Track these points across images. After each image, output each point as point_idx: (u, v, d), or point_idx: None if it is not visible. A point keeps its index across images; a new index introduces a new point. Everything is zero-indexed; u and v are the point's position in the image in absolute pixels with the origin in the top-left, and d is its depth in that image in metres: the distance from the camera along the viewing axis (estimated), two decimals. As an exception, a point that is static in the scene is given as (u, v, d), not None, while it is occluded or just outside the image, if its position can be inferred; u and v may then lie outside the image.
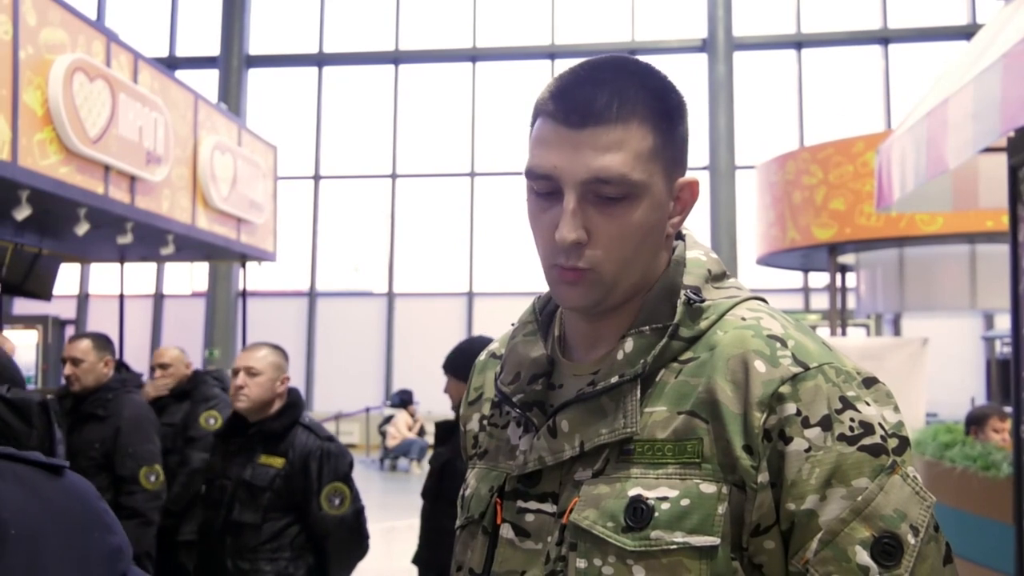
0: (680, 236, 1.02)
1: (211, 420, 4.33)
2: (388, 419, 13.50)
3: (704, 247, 1.01)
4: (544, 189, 0.93)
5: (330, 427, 12.83)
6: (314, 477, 2.87)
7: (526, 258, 15.29)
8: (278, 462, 2.86)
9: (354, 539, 2.98)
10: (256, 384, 2.89)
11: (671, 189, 0.95)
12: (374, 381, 15.69)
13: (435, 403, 14.51)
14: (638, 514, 0.87)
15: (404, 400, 13.67)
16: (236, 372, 2.94)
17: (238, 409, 2.94)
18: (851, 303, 10.26)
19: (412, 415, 13.49)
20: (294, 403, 3.00)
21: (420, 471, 12.55)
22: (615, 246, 0.91)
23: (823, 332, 10.28)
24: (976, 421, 4.76)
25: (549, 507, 0.94)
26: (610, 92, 0.90)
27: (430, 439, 13.24)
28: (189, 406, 4.40)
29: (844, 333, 9.77)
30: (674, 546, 0.85)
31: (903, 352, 6.57)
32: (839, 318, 9.32)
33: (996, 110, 2.68)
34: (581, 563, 0.88)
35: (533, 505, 0.96)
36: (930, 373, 6.78)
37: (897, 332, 12.70)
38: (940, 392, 10.65)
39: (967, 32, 13.50)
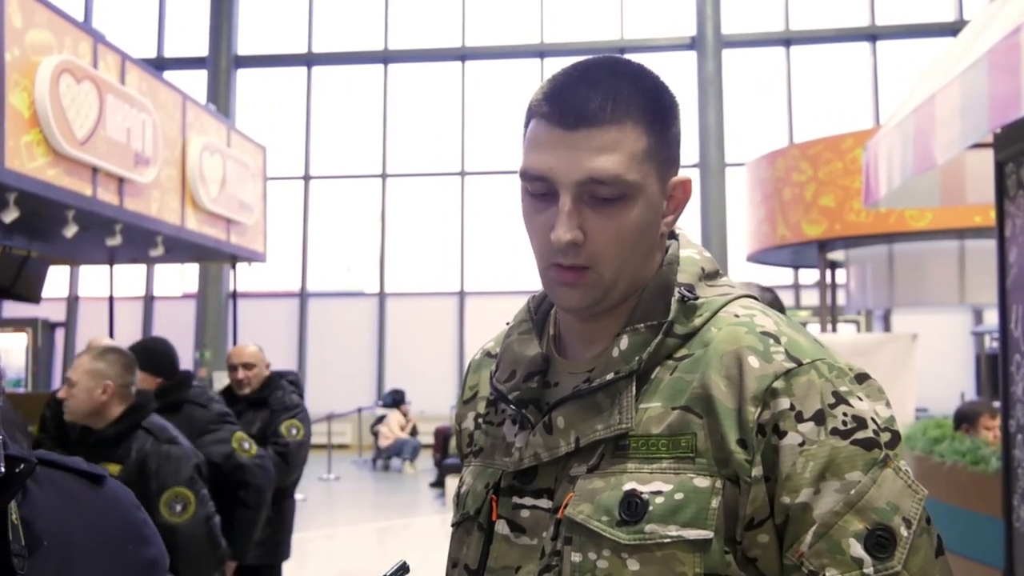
0: (673, 235, 1.03)
1: (293, 430, 3.97)
2: (380, 419, 13.49)
3: (697, 246, 1.02)
4: (539, 190, 0.94)
5: (322, 427, 12.81)
6: (151, 482, 2.70)
7: (518, 257, 15.31)
8: (114, 469, 2.69)
9: (203, 549, 2.77)
10: (72, 396, 2.76)
11: (664, 188, 0.96)
12: (366, 381, 15.67)
13: (427, 403, 14.51)
14: (632, 508, 0.88)
15: (396, 400, 13.67)
16: None
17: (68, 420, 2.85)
18: (841, 299, 10.30)
19: (405, 415, 13.48)
20: (137, 406, 2.83)
21: (413, 471, 12.55)
22: (611, 246, 0.92)
23: (813, 328, 10.31)
24: (967, 418, 4.77)
25: (544, 503, 0.95)
26: (604, 93, 0.91)
27: (423, 439, 13.27)
28: (268, 415, 4.00)
29: (834, 329, 9.81)
30: (668, 539, 0.86)
31: (893, 348, 6.60)
32: (829, 314, 9.35)
33: (984, 106, 2.69)
34: (576, 557, 0.89)
35: (528, 501, 0.96)
36: (920, 368, 6.81)
37: (887, 328, 12.76)
38: (930, 387, 10.70)
39: (954, 28, 13.56)
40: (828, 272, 9.42)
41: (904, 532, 0.84)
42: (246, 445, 3.30)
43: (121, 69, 6.38)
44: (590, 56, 0.98)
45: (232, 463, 3.24)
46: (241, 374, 4.04)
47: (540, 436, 0.96)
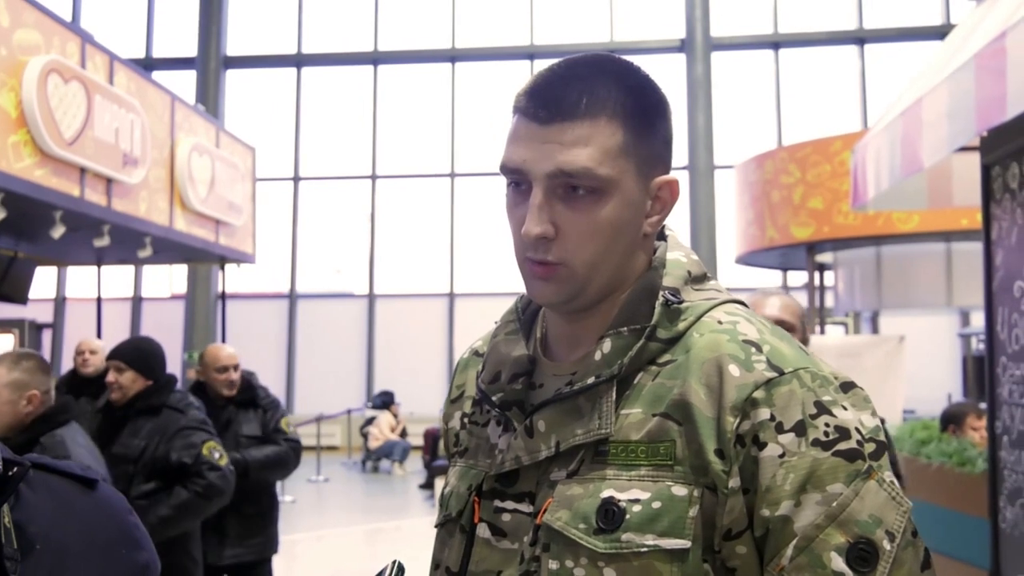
0: (663, 237, 1.01)
1: (290, 427, 4.04)
2: (370, 420, 13.46)
3: (685, 248, 1.00)
4: (516, 182, 0.94)
5: (311, 429, 12.78)
6: None
7: (507, 259, 15.30)
8: None
9: None
10: None
11: (647, 187, 0.94)
12: (355, 383, 15.64)
13: (417, 404, 14.49)
14: (609, 516, 0.86)
15: (386, 401, 13.64)
16: None
17: None
18: (829, 301, 10.35)
19: (395, 416, 13.46)
20: (42, 417, 2.71)
21: (403, 472, 12.53)
22: (584, 241, 0.91)
23: (802, 330, 10.33)
24: (954, 419, 4.80)
25: (526, 507, 0.94)
26: (581, 89, 0.91)
27: (412, 440, 13.25)
28: (263, 413, 4.02)
29: (823, 331, 9.85)
30: (645, 548, 0.85)
31: (881, 350, 6.64)
32: (818, 316, 9.39)
33: (971, 110, 2.71)
34: (553, 564, 0.88)
35: (510, 505, 0.95)
36: (907, 370, 6.85)
37: (875, 330, 12.82)
38: (917, 389, 10.76)
39: (941, 32, 13.64)
40: (816, 274, 9.46)
41: (887, 546, 0.82)
42: (216, 455, 3.27)
43: (109, 69, 6.35)
44: (579, 53, 0.98)
45: (199, 461, 3.21)
46: (234, 375, 4.03)
47: (522, 439, 0.95)
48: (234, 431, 3.92)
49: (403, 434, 13.30)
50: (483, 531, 0.97)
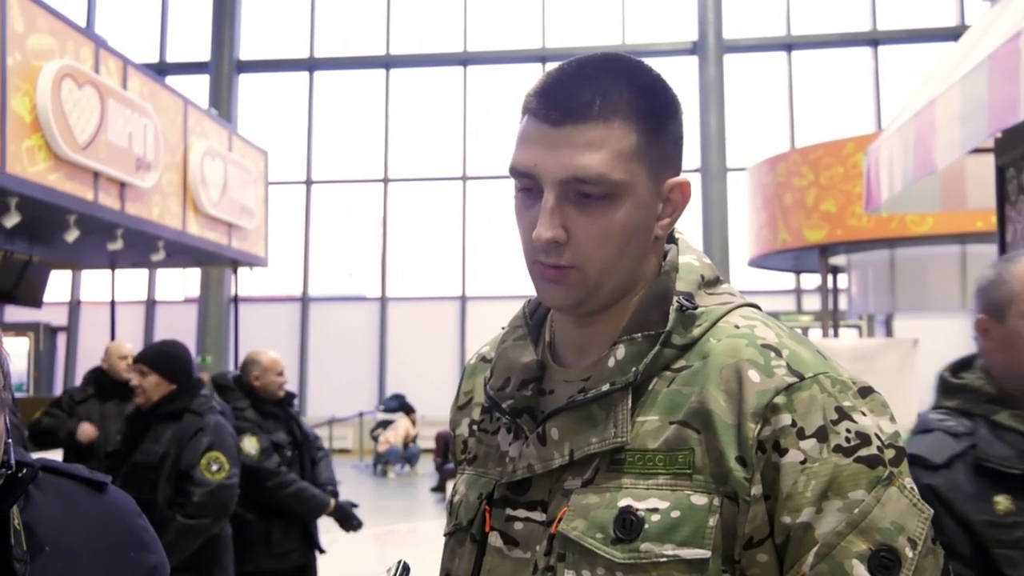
0: (673, 240, 1.00)
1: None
2: (381, 424, 13.48)
3: (697, 252, 0.99)
4: (526, 186, 0.92)
5: (323, 432, 12.82)
6: None
7: (519, 262, 15.28)
8: None
9: None
10: None
11: (659, 190, 0.93)
12: (367, 386, 15.66)
13: (428, 407, 14.50)
14: (627, 525, 0.85)
15: (403, 405, 13.68)
16: None
17: None
18: (843, 304, 10.29)
19: (414, 423, 13.51)
20: None
21: (393, 477, 12.57)
22: (597, 245, 0.90)
23: (815, 333, 10.31)
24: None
25: (538, 515, 0.93)
26: (592, 89, 0.89)
27: (423, 443, 13.26)
28: (291, 412, 4.17)
29: (836, 334, 9.80)
30: (664, 559, 0.83)
31: (894, 353, 6.59)
32: (831, 319, 9.34)
33: (984, 111, 2.68)
34: (569, 574, 0.87)
35: (522, 513, 0.94)
36: (921, 374, 6.80)
37: (889, 333, 12.73)
38: (931, 393, 10.66)
39: (955, 33, 13.56)
40: (830, 277, 9.41)
41: (909, 553, 0.81)
42: (214, 467, 3.25)
43: (123, 74, 6.39)
44: (590, 52, 0.96)
45: (190, 477, 3.20)
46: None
47: (534, 447, 0.93)
48: (301, 426, 4.15)
49: (413, 440, 13.35)
50: (495, 540, 0.95)
